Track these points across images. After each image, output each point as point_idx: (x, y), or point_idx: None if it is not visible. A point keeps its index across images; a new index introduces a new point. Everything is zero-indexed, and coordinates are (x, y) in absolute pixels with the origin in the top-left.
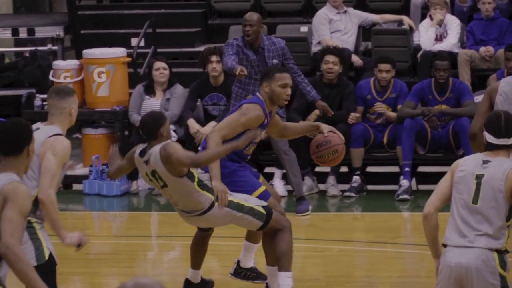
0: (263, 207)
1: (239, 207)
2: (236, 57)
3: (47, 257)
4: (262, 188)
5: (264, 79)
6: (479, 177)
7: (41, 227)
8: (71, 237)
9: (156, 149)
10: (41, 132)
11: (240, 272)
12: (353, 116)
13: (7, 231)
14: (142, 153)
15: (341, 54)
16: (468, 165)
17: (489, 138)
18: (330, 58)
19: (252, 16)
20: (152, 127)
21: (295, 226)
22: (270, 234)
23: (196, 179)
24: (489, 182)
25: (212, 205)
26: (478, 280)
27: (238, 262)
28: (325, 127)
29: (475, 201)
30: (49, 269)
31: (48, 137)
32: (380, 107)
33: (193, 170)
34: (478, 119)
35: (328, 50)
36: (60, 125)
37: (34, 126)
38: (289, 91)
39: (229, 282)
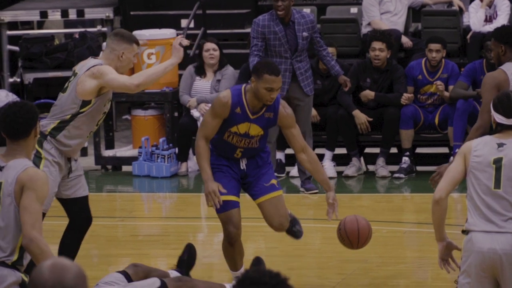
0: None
1: None
2: (261, 47)
3: None
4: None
5: (253, 73)
6: (497, 161)
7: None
8: None
9: None
10: (87, 63)
11: None
12: (406, 97)
13: (28, 222)
14: None
15: (388, 39)
16: (482, 149)
17: (499, 118)
18: (377, 44)
19: None
20: None
21: (344, 206)
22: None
23: None
24: (508, 165)
25: None
26: None
27: None
28: (328, 197)
29: (497, 185)
30: None
31: (88, 68)
32: (440, 85)
33: None
34: (488, 118)
35: (375, 36)
36: (106, 63)
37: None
38: (274, 94)
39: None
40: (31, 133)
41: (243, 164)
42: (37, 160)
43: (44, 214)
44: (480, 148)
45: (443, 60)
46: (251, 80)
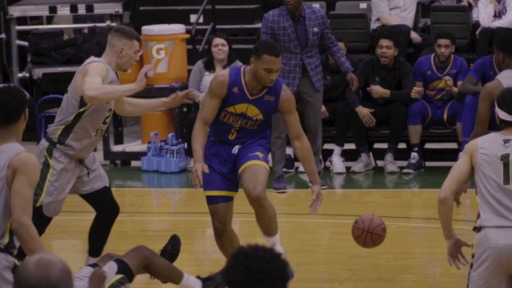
0: (119, 272)
1: None
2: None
3: None
4: (208, 193)
5: (253, 53)
6: (504, 157)
7: None
8: None
9: None
10: (87, 60)
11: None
12: (416, 90)
13: (19, 207)
14: None
15: (396, 37)
16: (488, 146)
17: (503, 115)
18: (384, 42)
19: None
20: None
21: (353, 202)
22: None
23: None
24: None
25: None
26: None
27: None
28: (313, 191)
29: (506, 181)
30: None
31: (84, 65)
32: (449, 80)
33: None
34: (480, 129)
35: (382, 34)
36: (107, 59)
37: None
38: (274, 76)
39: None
40: (21, 118)
41: (235, 150)
42: (45, 168)
43: (50, 218)
44: (486, 146)
45: (452, 55)
46: (251, 61)
